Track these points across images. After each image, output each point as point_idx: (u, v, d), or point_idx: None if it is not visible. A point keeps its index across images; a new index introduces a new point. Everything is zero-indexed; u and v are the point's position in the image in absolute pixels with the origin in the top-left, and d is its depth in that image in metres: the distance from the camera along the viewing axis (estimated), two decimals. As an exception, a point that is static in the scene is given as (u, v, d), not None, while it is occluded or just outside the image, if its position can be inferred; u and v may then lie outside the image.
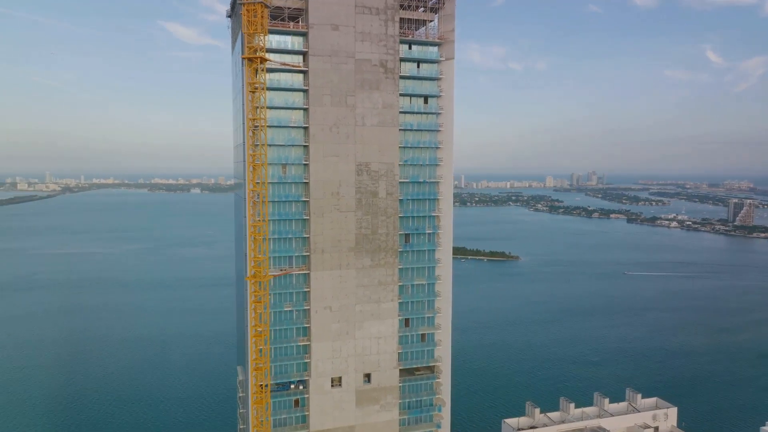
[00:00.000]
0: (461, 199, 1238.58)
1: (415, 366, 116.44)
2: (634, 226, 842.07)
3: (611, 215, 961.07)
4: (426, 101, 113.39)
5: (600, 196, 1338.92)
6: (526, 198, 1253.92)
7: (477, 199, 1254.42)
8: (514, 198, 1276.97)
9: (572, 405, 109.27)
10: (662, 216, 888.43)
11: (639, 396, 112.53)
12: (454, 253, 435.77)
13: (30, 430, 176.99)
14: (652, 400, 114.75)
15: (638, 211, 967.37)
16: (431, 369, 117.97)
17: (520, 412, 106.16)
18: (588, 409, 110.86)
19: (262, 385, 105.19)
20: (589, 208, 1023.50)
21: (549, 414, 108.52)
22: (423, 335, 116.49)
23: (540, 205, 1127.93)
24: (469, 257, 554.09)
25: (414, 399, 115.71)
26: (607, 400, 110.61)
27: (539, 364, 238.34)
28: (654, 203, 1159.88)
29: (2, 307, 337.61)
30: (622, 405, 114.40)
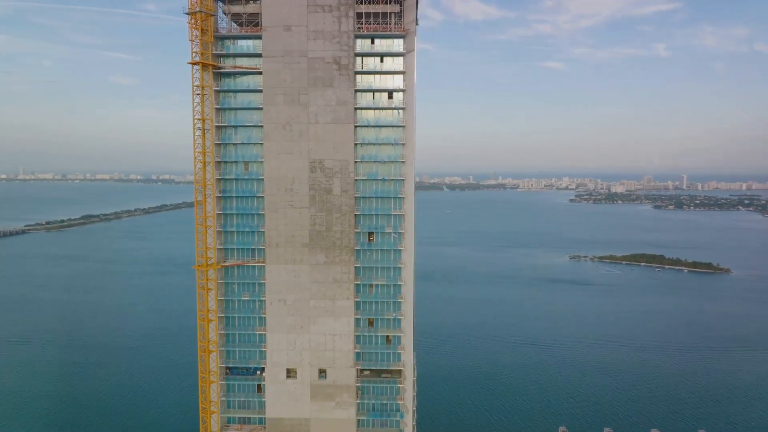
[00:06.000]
0: (677, 202, 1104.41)
1: (378, 368, 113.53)
2: None
3: None
4: (390, 96, 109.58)
5: None
6: (764, 202, 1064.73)
7: (698, 202, 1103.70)
8: (747, 201, 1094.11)
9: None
10: None
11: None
12: (648, 261, 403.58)
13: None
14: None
15: None
16: (400, 373, 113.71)
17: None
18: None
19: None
20: None
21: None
22: (388, 337, 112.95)
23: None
24: (666, 267, 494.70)
25: (376, 401, 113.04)
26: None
27: (615, 394, 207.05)
28: None
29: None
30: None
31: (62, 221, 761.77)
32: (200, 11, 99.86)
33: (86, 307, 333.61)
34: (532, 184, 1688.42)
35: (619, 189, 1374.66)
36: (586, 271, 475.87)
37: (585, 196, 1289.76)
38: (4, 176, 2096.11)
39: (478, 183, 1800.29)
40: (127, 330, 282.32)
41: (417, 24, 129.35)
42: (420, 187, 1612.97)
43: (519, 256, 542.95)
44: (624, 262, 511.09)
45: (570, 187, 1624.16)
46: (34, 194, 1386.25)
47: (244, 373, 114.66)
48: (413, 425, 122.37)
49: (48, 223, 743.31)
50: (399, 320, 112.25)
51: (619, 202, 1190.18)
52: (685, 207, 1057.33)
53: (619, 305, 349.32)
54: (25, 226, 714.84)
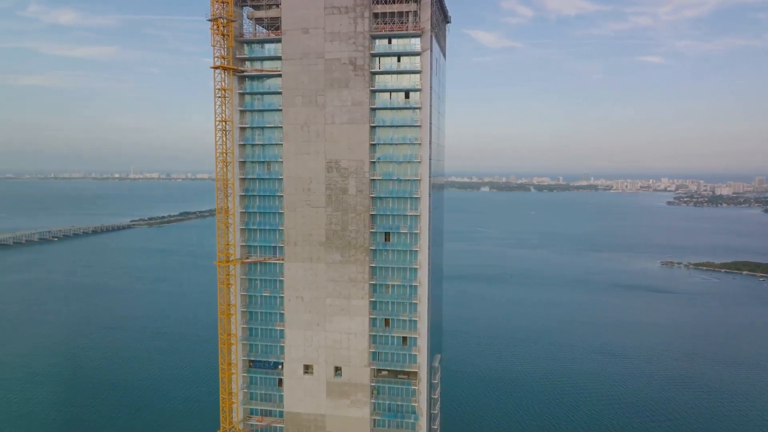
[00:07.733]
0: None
1: (393, 368, 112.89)
2: None
3: None
4: (407, 96, 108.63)
5: None
6: None
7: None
8: None
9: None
10: None
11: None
12: (751, 270, 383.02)
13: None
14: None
15: None
16: (416, 375, 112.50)
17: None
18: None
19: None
20: None
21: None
22: (404, 338, 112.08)
23: None
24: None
25: (391, 402, 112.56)
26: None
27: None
28: None
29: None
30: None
31: (162, 217, 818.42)
32: (221, 17, 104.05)
33: (174, 298, 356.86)
34: (626, 186, 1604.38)
35: (725, 191, 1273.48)
36: (678, 279, 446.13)
37: (685, 199, 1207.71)
38: (117, 175, 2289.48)
39: (567, 184, 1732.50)
40: (206, 321, 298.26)
41: (449, 22, 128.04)
42: (506, 187, 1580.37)
43: (604, 261, 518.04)
44: (723, 270, 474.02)
45: (669, 188, 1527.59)
46: (141, 192, 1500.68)
47: (266, 367, 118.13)
48: (434, 428, 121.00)
49: (150, 219, 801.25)
50: (414, 321, 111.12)
51: (724, 205, 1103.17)
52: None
53: (712, 316, 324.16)
54: (130, 221, 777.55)
